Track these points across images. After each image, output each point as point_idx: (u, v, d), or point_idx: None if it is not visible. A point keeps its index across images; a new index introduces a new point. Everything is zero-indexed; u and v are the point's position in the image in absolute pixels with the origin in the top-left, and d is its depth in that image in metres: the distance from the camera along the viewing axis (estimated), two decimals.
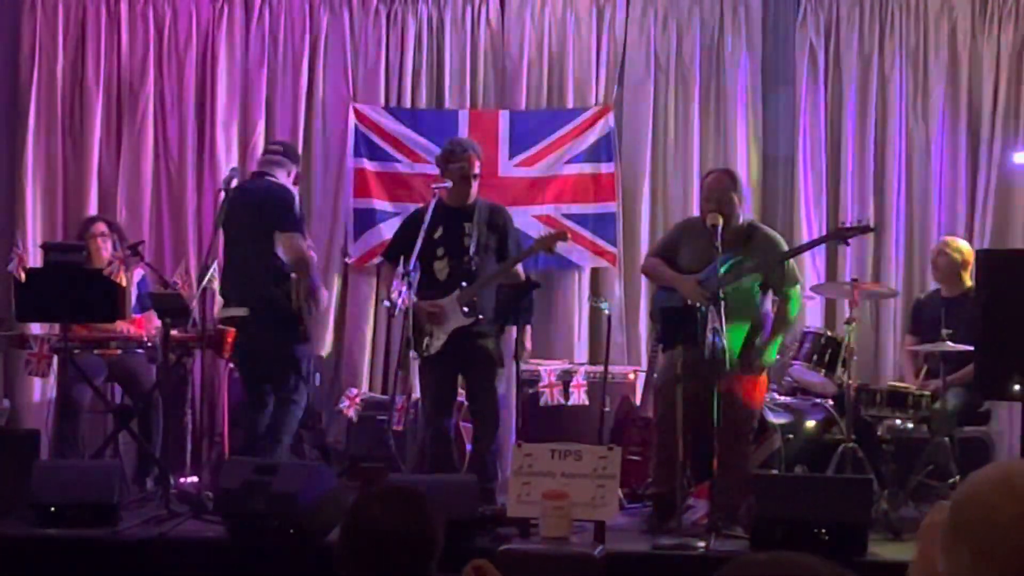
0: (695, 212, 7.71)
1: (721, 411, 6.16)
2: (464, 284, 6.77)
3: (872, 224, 7.15)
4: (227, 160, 8.43)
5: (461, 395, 7.15)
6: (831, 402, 7.31)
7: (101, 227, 7.53)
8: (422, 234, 6.65)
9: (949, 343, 6.67)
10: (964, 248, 7.42)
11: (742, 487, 6.20)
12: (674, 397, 6.19)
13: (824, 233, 8.18)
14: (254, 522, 5.87)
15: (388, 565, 2.79)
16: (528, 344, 7.47)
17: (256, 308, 6.92)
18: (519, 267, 6.94)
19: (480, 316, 6.74)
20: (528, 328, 7.19)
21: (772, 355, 6.60)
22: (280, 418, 6.98)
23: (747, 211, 7.03)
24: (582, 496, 5.80)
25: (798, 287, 6.70)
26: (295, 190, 7.26)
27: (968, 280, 7.27)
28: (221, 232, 7.08)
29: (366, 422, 7.78)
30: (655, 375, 7.04)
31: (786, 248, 6.74)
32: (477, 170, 6.91)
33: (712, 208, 6.48)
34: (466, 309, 6.72)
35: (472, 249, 6.81)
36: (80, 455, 7.15)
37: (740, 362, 6.33)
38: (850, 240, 6.93)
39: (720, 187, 6.56)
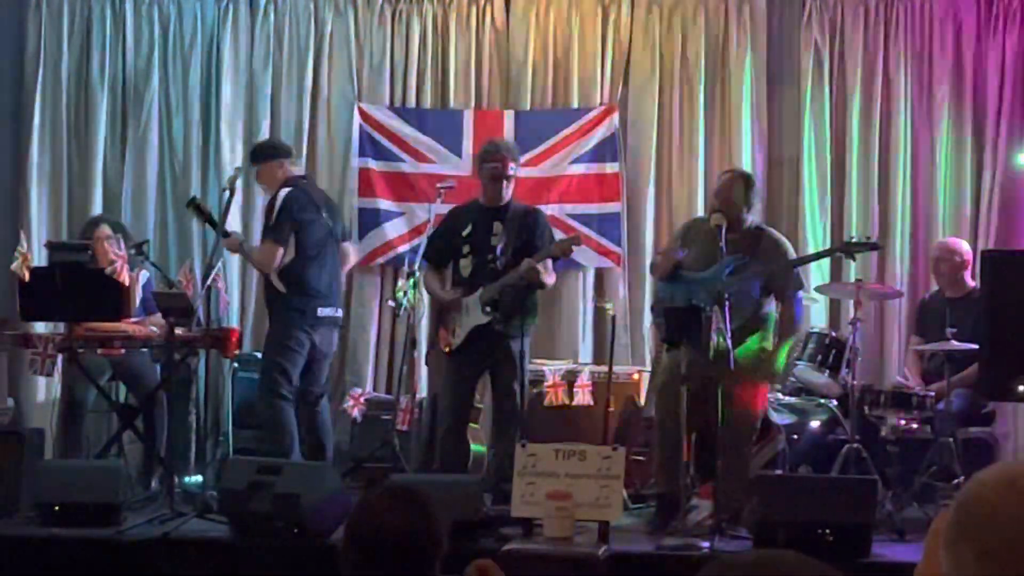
0: (700, 212, 7.72)
1: (724, 411, 6.15)
2: (487, 283, 6.77)
3: (877, 241, 7.13)
4: (232, 160, 8.42)
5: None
6: (835, 402, 7.30)
7: (106, 231, 7.46)
8: (428, 232, 6.66)
9: (954, 343, 6.66)
10: (962, 249, 7.42)
11: (745, 487, 6.19)
12: (677, 397, 6.18)
13: (828, 233, 8.21)
14: (258, 522, 5.88)
15: (392, 566, 2.79)
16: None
17: (342, 311, 7.38)
18: (550, 272, 6.90)
19: (498, 314, 6.72)
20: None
21: (782, 360, 6.61)
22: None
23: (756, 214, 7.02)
24: (586, 496, 5.80)
25: (801, 291, 6.70)
26: None
27: (970, 280, 7.28)
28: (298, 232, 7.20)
29: (370, 422, 7.78)
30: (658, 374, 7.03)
31: (793, 254, 6.74)
32: (511, 172, 6.90)
33: (716, 208, 6.48)
34: (487, 308, 6.72)
35: (499, 249, 6.81)
36: (84, 454, 7.15)
37: (753, 372, 6.36)
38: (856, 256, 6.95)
39: (727, 187, 6.56)
